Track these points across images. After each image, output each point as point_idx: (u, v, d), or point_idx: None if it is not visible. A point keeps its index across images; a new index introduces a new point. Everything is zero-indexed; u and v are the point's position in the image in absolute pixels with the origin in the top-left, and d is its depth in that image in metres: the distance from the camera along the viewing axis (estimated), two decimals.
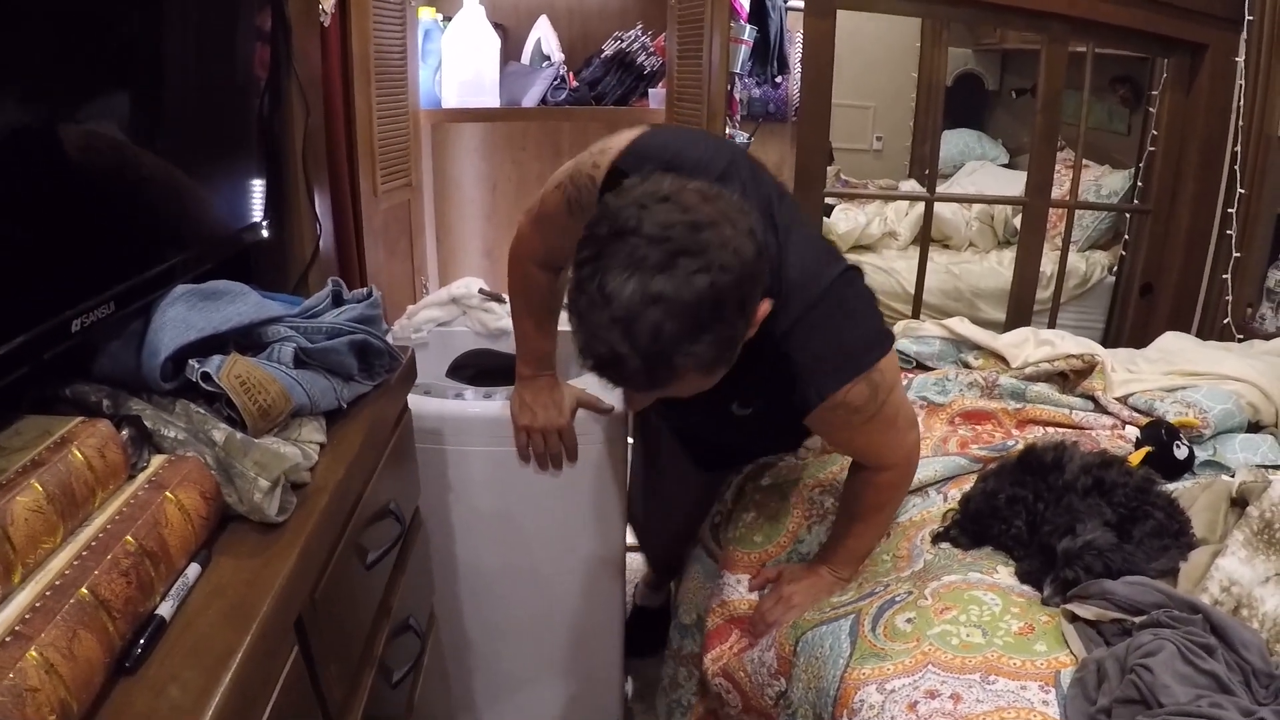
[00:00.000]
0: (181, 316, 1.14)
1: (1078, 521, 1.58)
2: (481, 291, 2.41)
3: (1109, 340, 3.39)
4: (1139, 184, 3.57)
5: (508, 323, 2.29)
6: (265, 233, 1.54)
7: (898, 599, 1.55)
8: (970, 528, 1.72)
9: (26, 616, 0.77)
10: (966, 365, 2.43)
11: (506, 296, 2.38)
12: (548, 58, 3.16)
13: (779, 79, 3.45)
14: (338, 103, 2.10)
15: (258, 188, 1.53)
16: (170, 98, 1.28)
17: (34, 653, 0.73)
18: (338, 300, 1.39)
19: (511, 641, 2.30)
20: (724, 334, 1.20)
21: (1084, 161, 3.99)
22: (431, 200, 3.25)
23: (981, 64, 5.45)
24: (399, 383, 1.49)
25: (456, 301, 2.39)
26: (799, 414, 1.54)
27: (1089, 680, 1.30)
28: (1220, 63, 2.89)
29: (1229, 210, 2.91)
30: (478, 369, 2.31)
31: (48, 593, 0.80)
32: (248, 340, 1.23)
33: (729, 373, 1.31)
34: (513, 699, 2.40)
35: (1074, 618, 1.44)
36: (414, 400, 1.96)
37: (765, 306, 1.30)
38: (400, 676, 1.40)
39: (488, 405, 2.01)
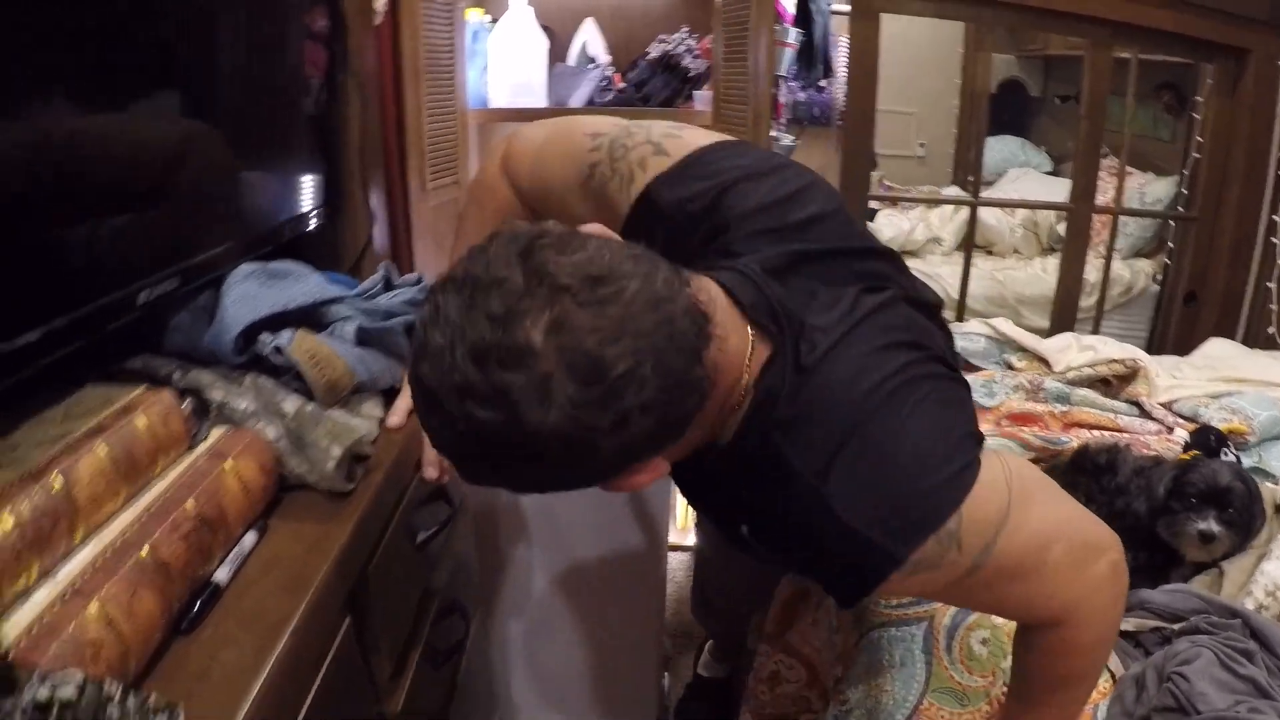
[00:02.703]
0: (251, 293, 1.17)
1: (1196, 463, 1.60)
2: None
3: (1153, 348, 3.35)
4: (1184, 191, 3.54)
5: None
6: (320, 220, 1.57)
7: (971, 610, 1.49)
8: None
9: (87, 575, 0.79)
10: (1009, 366, 2.43)
11: None
12: (593, 60, 3.18)
13: (823, 83, 3.46)
14: (389, 100, 2.12)
15: (314, 177, 1.56)
16: (229, 89, 1.31)
17: (95, 607, 0.75)
18: (388, 285, 1.42)
19: (550, 638, 2.30)
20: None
21: (1128, 169, 3.97)
22: None
23: (1025, 71, 5.43)
24: None
25: None
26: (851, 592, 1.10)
27: (1128, 695, 1.30)
28: (1264, 68, 2.88)
29: (1274, 217, 2.89)
30: None
31: (109, 553, 0.82)
32: (310, 319, 1.25)
33: (721, 484, 1.13)
34: (550, 697, 2.40)
35: None
36: None
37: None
38: (444, 659, 1.41)
39: None
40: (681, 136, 1.20)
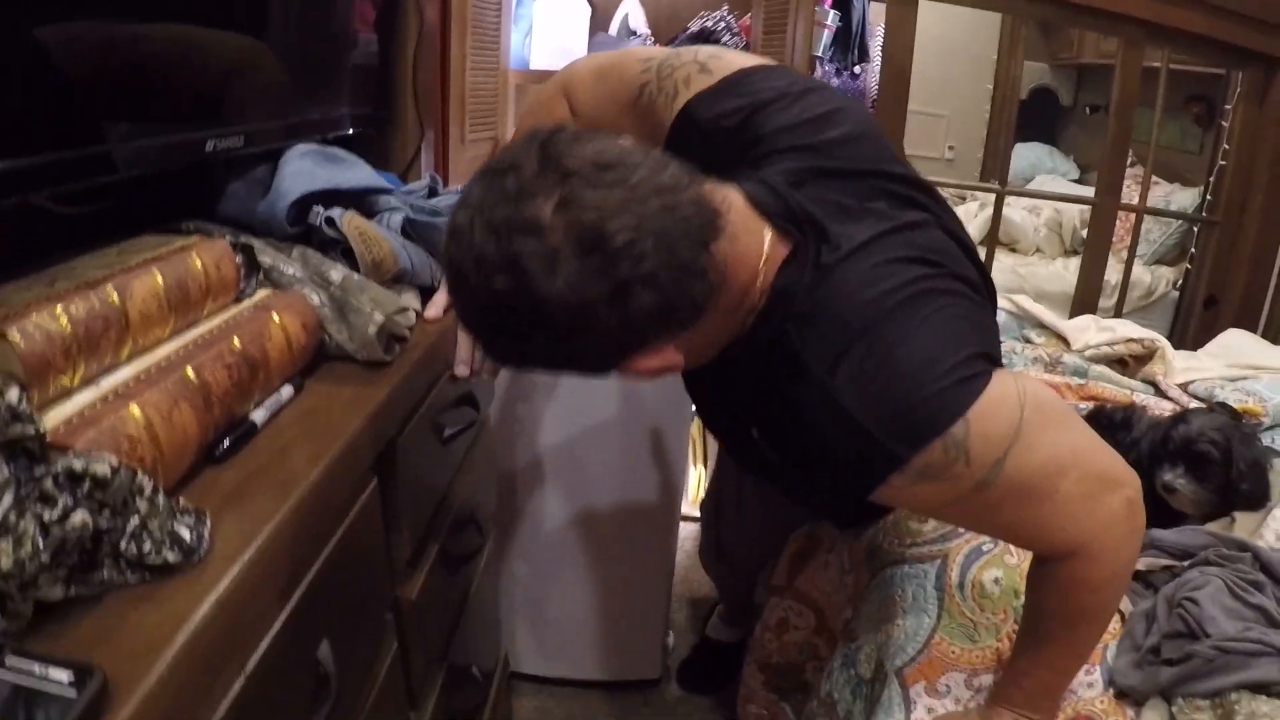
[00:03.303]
0: (307, 169, 1.20)
1: (1188, 413, 1.62)
2: None
3: None
4: (1208, 198, 3.56)
5: None
6: (375, 123, 1.63)
7: (985, 548, 1.52)
8: None
9: (130, 384, 0.82)
10: (1028, 341, 2.45)
11: None
12: (634, 31, 3.21)
13: (858, 69, 3.47)
14: (436, 45, 2.15)
15: (372, 79, 1.61)
16: None
17: (136, 409, 0.77)
18: (433, 193, 1.45)
19: (560, 582, 2.33)
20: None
21: (1155, 179, 3.99)
22: None
23: (1056, 79, 5.47)
24: None
25: None
26: (852, 493, 1.13)
27: (1138, 630, 1.30)
28: None
29: None
30: None
31: (153, 370, 0.85)
32: (360, 205, 1.28)
33: (736, 382, 1.17)
34: (555, 641, 2.43)
35: None
36: None
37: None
38: (459, 566, 1.44)
39: None
40: (725, 58, 1.24)
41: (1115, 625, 1.35)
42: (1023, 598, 1.29)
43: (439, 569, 1.35)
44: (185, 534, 0.72)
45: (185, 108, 1.09)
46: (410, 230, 1.30)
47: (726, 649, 2.49)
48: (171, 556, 0.70)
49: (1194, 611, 1.25)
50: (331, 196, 1.22)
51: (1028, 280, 4.12)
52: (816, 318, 1.05)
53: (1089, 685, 1.28)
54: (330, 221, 1.16)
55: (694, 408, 1.59)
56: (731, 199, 1.05)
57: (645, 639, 2.44)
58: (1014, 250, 4.61)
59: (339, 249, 1.17)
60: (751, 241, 1.06)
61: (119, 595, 0.68)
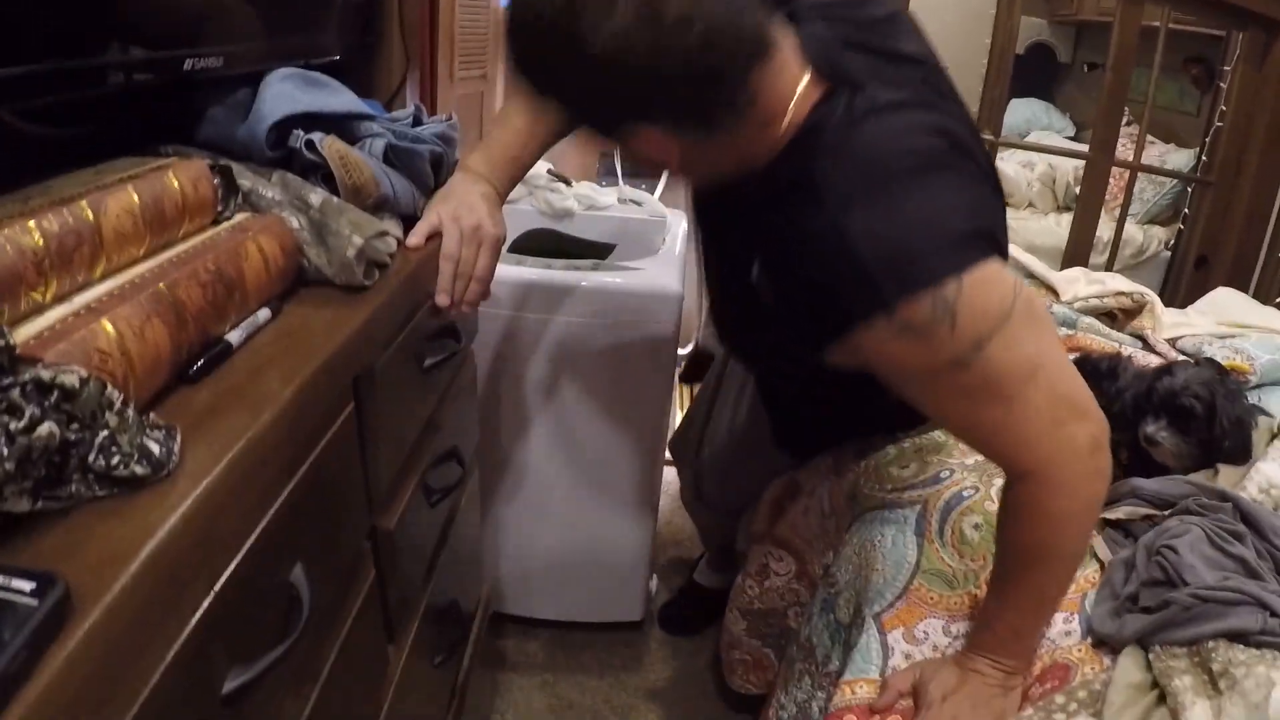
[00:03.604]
0: (288, 92, 1.18)
1: (1174, 366, 1.63)
2: (550, 173, 2.44)
3: None
4: (1203, 159, 3.55)
5: (573, 203, 2.33)
6: (359, 49, 1.63)
7: (965, 494, 1.52)
8: None
9: (103, 299, 0.80)
10: None
11: (573, 178, 2.41)
12: None
13: None
14: None
15: (358, 6, 1.59)
16: None
17: (108, 323, 0.76)
18: (417, 122, 1.43)
19: (545, 523, 2.34)
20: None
21: (1151, 139, 3.97)
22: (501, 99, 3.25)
23: (1055, 36, 5.42)
24: None
25: (525, 181, 2.42)
26: (835, 330, 1.13)
27: (1116, 578, 1.30)
28: None
29: None
30: (541, 249, 2.33)
31: (126, 286, 0.83)
32: (341, 131, 1.26)
33: (749, 216, 1.20)
34: (540, 584, 2.45)
35: (1103, 525, 1.43)
36: None
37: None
38: (438, 499, 1.43)
39: (545, 273, 2.05)
40: None
41: (1094, 573, 1.35)
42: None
43: (418, 501, 1.35)
44: (155, 448, 0.71)
45: (164, 27, 1.07)
46: (393, 157, 1.29)
47: (712, 595, 2.51)
48: (140, 470, 0.69)
49: (1173, 560, 1.25)
50: (313, 121, 1.20)
51: (1019, 234, 4.10)
52: (841, 155, 1.09)
53: (1067, 634, 1.28)
54: (310, 145, 1.15)
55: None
56: (786, 37, 1.11)
57: (629, 582, 2.45)
58: (1007, 204, 4.54)
59: (319, 174, 1.15)
60: (789, 79, 1.12)
61: (87, 509, 0.67)
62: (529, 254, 2.28)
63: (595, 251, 2.38)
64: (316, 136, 1.16)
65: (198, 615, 0.71)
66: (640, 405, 2.16)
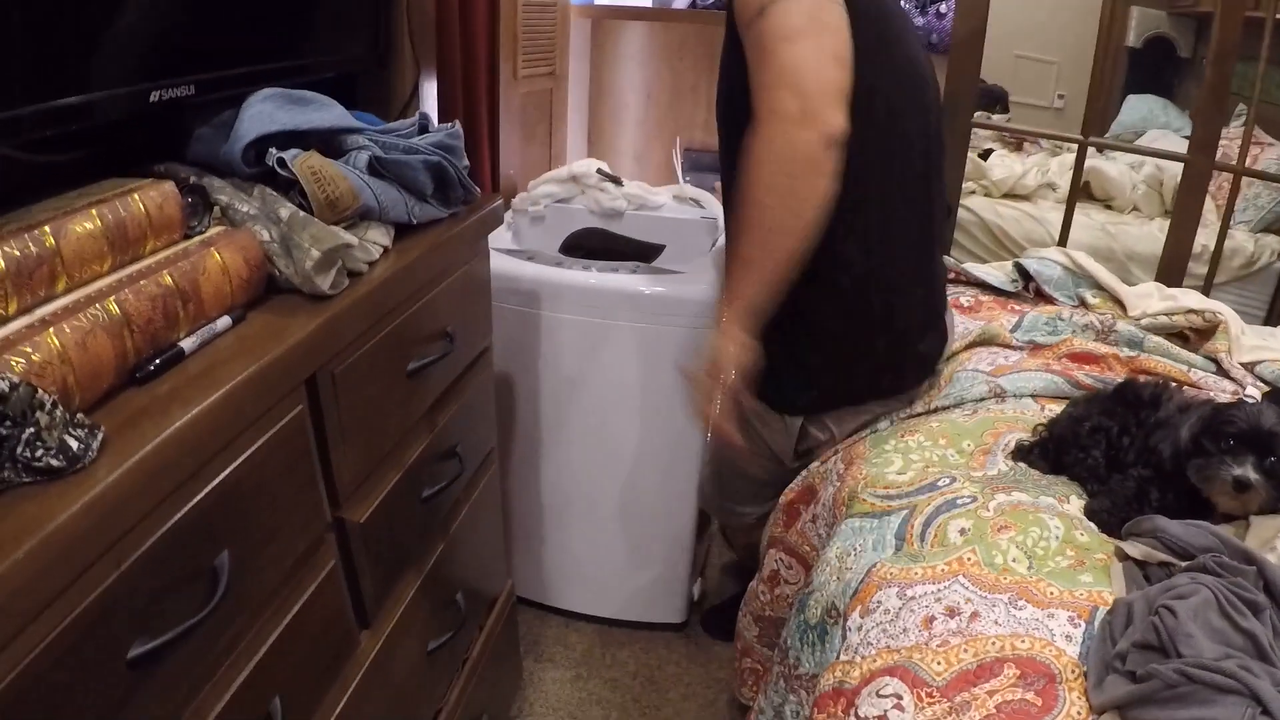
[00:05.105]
0: (267, 112, 1.28)
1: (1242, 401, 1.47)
2: (600, 172, 2.52)
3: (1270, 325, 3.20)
4: None
5: (622, 203, 2.41)
6: (368, 67, 1.70)
7: (960, 502, 1.48)
8: (1050, 451, 1.59)
9: (56, 313, 0.92)
10: (1083, 302, 2.35)
11: (624, 180, 2.48)
12: None
13: (942, 7, 3.39)
14: None
15: (361, 22, 1.66)
16: None
17: (52, 335, 0.89)
18: (423, 130, 1.52)
19: (584, 521, 2.41)
20: None
21: (1270, 140, 3.77)
22: (584, 96, 3.35)
23: (1175, 29, 5.17)
24: (477, 220, 1.61)
25: (576, 179, 2.50)
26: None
27: (1117, 623, 1.16)
28: None
29: None
30: (589, 248, 2.41)
31: (81, 300, 0.96)
32: (329, 147, 1.36)
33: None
34: (579, 581, 2.52)
35: (1125, 557, 1.30)
36: (514, 264, 2.12)
37: None
38: (431, 494, 1.53)
39: (582, 275, 2.11)
40: None
41: (1108, 594, 1.24)
42: (984, 543, 1.34)
43: (402, 497, 1.45)
44: (73, 444, 0.83)
45: (134, 59, 1.18)
46: (380, 168, 1.37)
47: None
48: (55, 463, 0.82)
49: (1169, 624, 1.08)
50: (296, 138, 1.30)
51: (1117, 239, 3.92)
52: None
53: (1068, 637, 1.18)
54: (282, 162, 1.24)
55: None
56: None
57: (670, 584, 2.50)
58: (1109, 207, 4.36)
59: (297, 188, 1.25)
60: None
61: (14, 493, 0.80)
62: (578, 253, 2.36)
63: (644, 252, 2.45)
64: (289, 154, 1.26)
65: (100, 589, 0.84)
66: (675, 399, 2.18)
